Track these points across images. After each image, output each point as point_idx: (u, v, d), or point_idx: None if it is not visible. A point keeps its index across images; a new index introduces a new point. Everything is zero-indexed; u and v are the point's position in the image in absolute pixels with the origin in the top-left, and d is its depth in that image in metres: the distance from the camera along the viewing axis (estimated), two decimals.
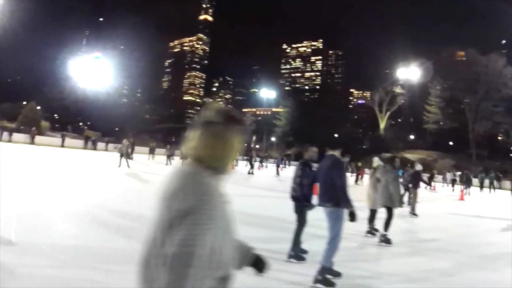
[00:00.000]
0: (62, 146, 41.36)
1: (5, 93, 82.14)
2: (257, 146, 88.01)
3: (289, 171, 40.78)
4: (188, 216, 1.30)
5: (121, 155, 20.52)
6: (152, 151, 35.55)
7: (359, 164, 33.45)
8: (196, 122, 1.57)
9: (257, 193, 16.45)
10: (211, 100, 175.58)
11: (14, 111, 62.48)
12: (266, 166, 45.12)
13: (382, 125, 71.55)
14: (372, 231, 8.64)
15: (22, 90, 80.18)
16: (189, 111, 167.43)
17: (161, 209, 1.41)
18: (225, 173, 1.56)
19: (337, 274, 5.21)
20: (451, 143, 65.79)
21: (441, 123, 67.68)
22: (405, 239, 8.74)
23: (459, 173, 36.22)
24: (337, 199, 5.15)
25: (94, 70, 65.69)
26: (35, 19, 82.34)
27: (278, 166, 30.94)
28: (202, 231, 1.31)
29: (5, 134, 37.10)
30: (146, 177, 17.53)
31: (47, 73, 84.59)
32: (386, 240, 7.79)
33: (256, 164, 32.69)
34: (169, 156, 30.25)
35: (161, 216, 1.40)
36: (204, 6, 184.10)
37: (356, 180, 27.95)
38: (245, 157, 46.70)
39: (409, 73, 68.15)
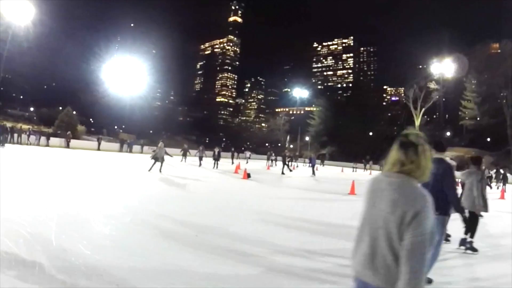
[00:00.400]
0: (98, 149, 42.38)
1: (42, 99, 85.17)
2: (291, 146, 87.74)
3: (325, 171, 40.46)
4: (419, 214, 1.86)
5: (155, 159, 20.28)
6: (184, 153, 35.63)
7: None
8: (398, 143, 2.11)
9: (304, 195, 16.06)
10: (243, 101, 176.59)
11: (51, 116, 64.53)
12: (297, 166, 44.83)
13: (417, 122, 69.59)
14: (445, 236, 7.88)
15: (58, 95, 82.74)
16: (222, 112, 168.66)
17: (381, 212, 2.01)
18: (421, 181, 2.07)
19: (429, 281, 5.12)
20: (489, 139, 63.39)
21: (478, 119, 65.54)
22: (483, 244, 7.92)
23: (493, 170, 34.68)
24: (446, 207, 5.14)
25: (127, 74, 66.70)
26: (68, 27, 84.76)
27: (313, 166, 30.19)
28: (430, 223, 1.87)
29: (43, 139, 37.97)
30: (180, 180, 17.48)
31: (81, 78, 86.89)
32: (471, 248, 7.29)
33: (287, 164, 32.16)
34: (201, 157, 30.30)
35: (385, 217, 1.98)
36: (233, 8, 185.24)
37: None
38: (277, 157, 46.63)
39: (443, 68, 66.28)
